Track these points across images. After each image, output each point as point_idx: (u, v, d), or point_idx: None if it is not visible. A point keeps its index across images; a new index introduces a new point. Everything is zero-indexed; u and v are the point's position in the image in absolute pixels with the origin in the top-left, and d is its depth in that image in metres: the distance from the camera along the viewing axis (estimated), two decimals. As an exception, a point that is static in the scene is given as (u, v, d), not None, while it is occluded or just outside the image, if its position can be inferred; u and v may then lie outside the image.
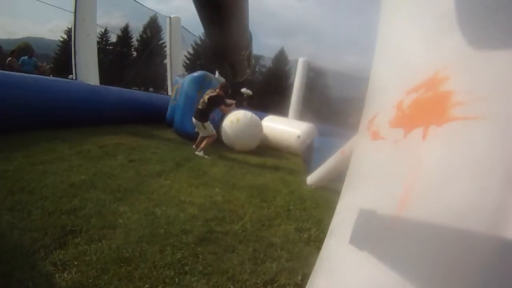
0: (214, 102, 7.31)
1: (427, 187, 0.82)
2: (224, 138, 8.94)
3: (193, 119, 7.45)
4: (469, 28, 0.85)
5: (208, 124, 7.37)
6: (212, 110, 7.45)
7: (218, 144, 8.44)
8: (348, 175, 1.25)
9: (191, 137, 8.15)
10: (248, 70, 1.43)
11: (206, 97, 7.39)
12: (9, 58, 11.26)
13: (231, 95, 8.49)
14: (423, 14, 1.00)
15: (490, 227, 0.70)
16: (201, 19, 0.82)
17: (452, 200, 0.76)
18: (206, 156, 7.05)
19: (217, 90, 7.49)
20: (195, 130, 7.67)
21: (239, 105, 10.95)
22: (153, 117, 11.21)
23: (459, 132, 0.79)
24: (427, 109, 0.89)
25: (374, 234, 0.93)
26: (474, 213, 0.73)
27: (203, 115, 7.33)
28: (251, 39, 1.22)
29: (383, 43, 1.24)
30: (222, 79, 8.35)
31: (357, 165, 1.20)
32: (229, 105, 7.82)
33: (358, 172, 1.16)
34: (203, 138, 7.43)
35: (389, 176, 0.94)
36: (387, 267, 0.84)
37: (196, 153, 7.13)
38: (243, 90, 18.30)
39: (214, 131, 7.58)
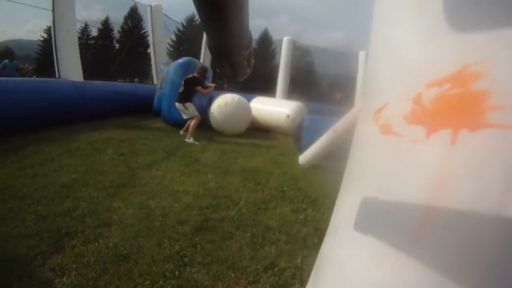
0: (190, 83, 7.50)
1: (457, 193, 0.74)
2: (213, 122, 8.91)
3: (176, 103, 7.62)
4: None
5: (189, 105, 7.52)
6: (190, 92, 7.57)
7: (207, 129, 8.49)
8: (349, 170, 1.17)
9: (179, 124, 8.12)
10: (248, 70, 1.43)
11: (184, 80, 7.63)
12: (-12, 64, 10.96)
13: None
14: None
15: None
16: (201, 19, 0.82)
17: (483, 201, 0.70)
18: (196, 142, 7.08)
19: (194, 74, 7.75)
20: (184, 118, 7.72)
21: (219, 89, 10.89)
22: (139, 108, 11.08)
23: (495, 140, 0.70)
24: (456, 108, 0.78)
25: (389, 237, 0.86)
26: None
27: (183, 97, 7.51)
28: (251, 39, 1.23)
29: (382, 19, 1.09)
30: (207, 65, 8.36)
31: (361, 159, 1.10)
32: (207, 87, 7.93)
33: (363, 167, 1.06)
34: (190, 123, 7.54)
35: (408, 175, 0.86)
36: (398, 268, 0.80)
37: (186, 140, 7.17)
38: (224, 73, 18.21)
39: (197, 112, 7.68)
